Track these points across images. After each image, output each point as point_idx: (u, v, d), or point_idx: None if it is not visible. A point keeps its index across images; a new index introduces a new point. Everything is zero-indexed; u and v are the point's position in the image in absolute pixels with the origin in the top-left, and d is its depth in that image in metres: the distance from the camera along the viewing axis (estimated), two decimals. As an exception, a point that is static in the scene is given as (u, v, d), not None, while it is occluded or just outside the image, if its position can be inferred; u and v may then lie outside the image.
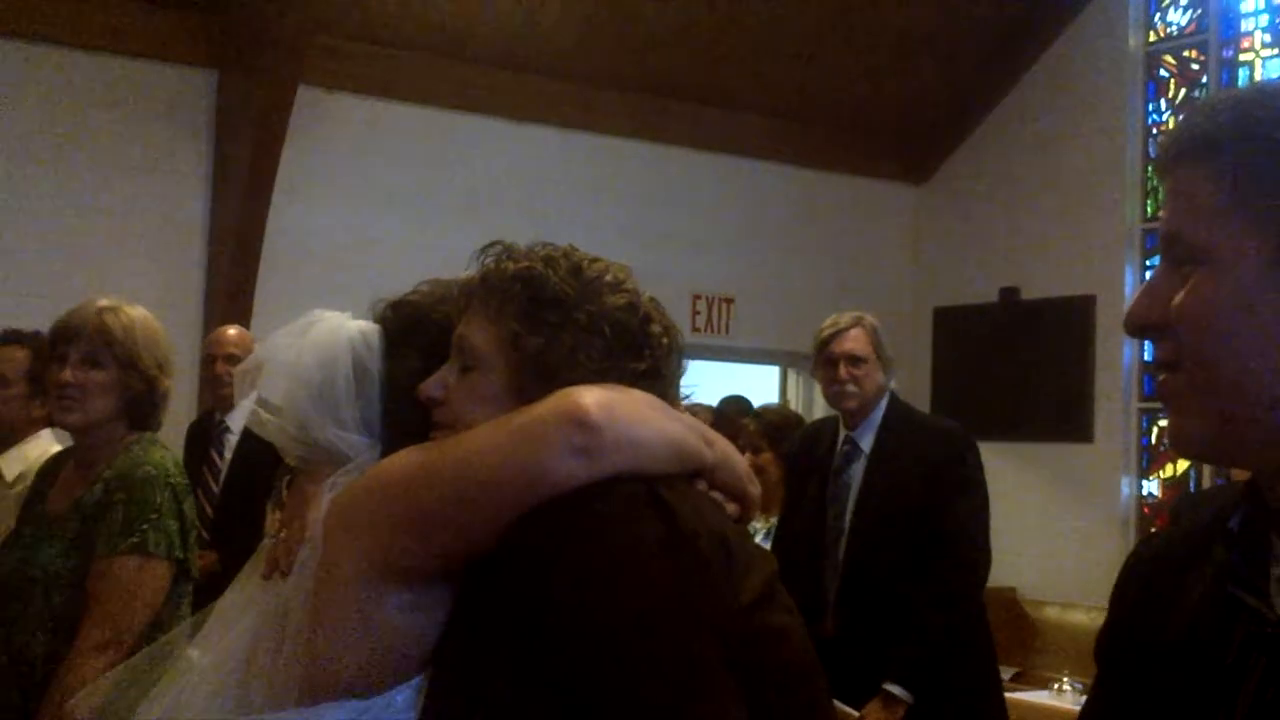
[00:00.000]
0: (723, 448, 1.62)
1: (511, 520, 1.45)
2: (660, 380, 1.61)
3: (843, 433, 4.57)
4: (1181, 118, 1.34)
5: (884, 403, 4.54)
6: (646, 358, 1.60)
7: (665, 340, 1.63)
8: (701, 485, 1.57)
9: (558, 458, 1.45)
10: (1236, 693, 1.23)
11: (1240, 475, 1.40)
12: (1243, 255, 1.22)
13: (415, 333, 1.74)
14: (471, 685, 1.45)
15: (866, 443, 4.51)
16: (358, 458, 1.69)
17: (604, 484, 1.46)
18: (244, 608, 1.68)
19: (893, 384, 4.65)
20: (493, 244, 1.65)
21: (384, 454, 1.66)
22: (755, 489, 1.65)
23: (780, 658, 1.49)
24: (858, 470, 4.50)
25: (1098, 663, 1.47)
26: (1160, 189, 1.34)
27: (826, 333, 4.53)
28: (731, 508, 1.60)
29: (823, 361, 4.54)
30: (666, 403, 1.59)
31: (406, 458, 1.55)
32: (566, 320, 1.57)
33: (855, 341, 4.48)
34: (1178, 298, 1.25)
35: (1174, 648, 1.32)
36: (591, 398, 1.48)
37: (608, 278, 1.62)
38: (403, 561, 1.50)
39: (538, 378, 1.56)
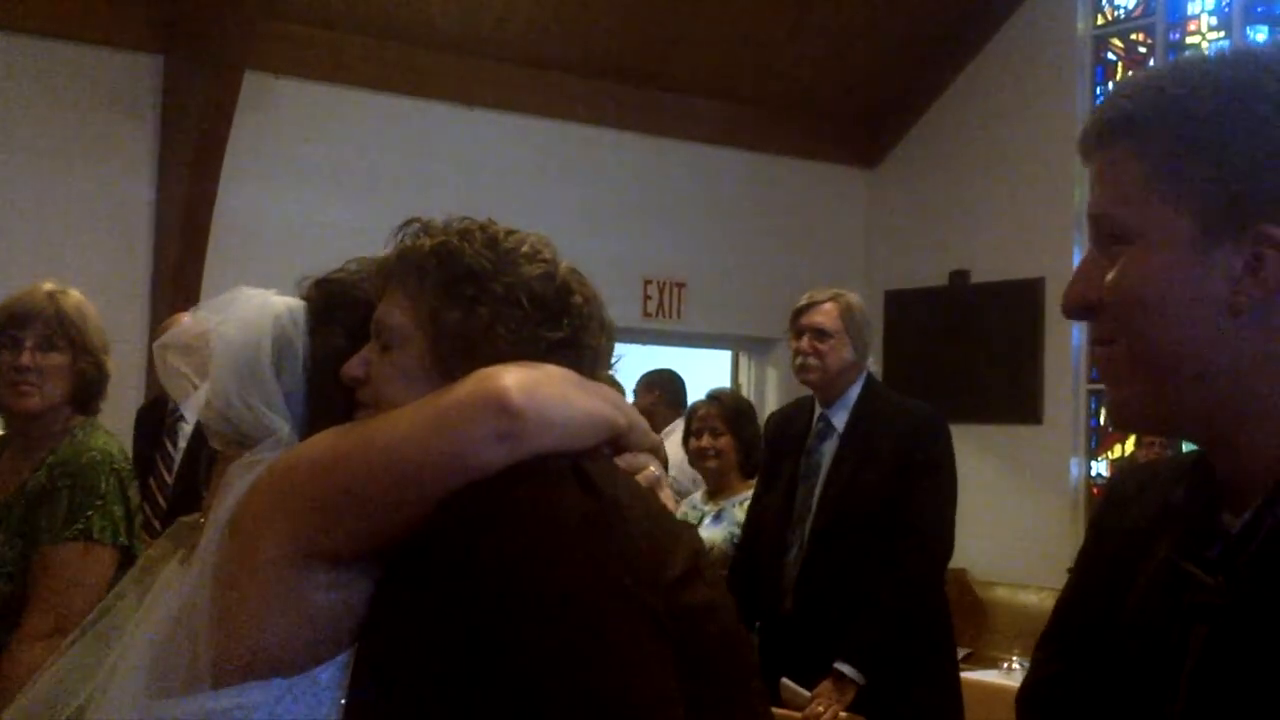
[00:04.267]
0: (630, 412, 1.63)
1: (435, 502, 1.45)
2: (577, 349, 1.61)
3: (818, 410, 4.56)
4: (1102, 100, 1.37)
5: (860, 382, 4.53)
6: (565, 326, 1.60)
7: (586, 310, 1.63)
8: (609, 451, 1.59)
9: (480, 443, 1.45)
10: (1181, 664, 1.26)
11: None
12: (1168, 232, 1.26)
13: (340, 310, 1.72)
14: (398, 663, 1.45)
15: (840, 421, 4.48)
16: (280, 436, 1.69)
17: (528, 464, 1.46)
18: (161, 592, 1.67)
19: (871, 364, 4.63)
20: (410, 221, 1.65)
21: (307, 434, 1.65)
22: (660, 440, 1.68)
23: (707, 633, 1.50)
24: (829, 448, 4.48)
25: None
26: (1087, 171, 1.38)
27: (800, 305, 4.54)
28: (650, 471, 1.62)
29: (793, 333, 4.55)
30: (589, 374, 1.59)
31: (328, 440, 1.55)
32: (483, 292, 1.57)
33: (824, 316, 4.45)
34: (1109, 276, 1.29)
35: (1130, 621, 1.36)
36: (512, 379, 1.48)
37: (524, 248, 1.61)
38: (323, 544, 1.50)
39: (458, 352, 1.56)
